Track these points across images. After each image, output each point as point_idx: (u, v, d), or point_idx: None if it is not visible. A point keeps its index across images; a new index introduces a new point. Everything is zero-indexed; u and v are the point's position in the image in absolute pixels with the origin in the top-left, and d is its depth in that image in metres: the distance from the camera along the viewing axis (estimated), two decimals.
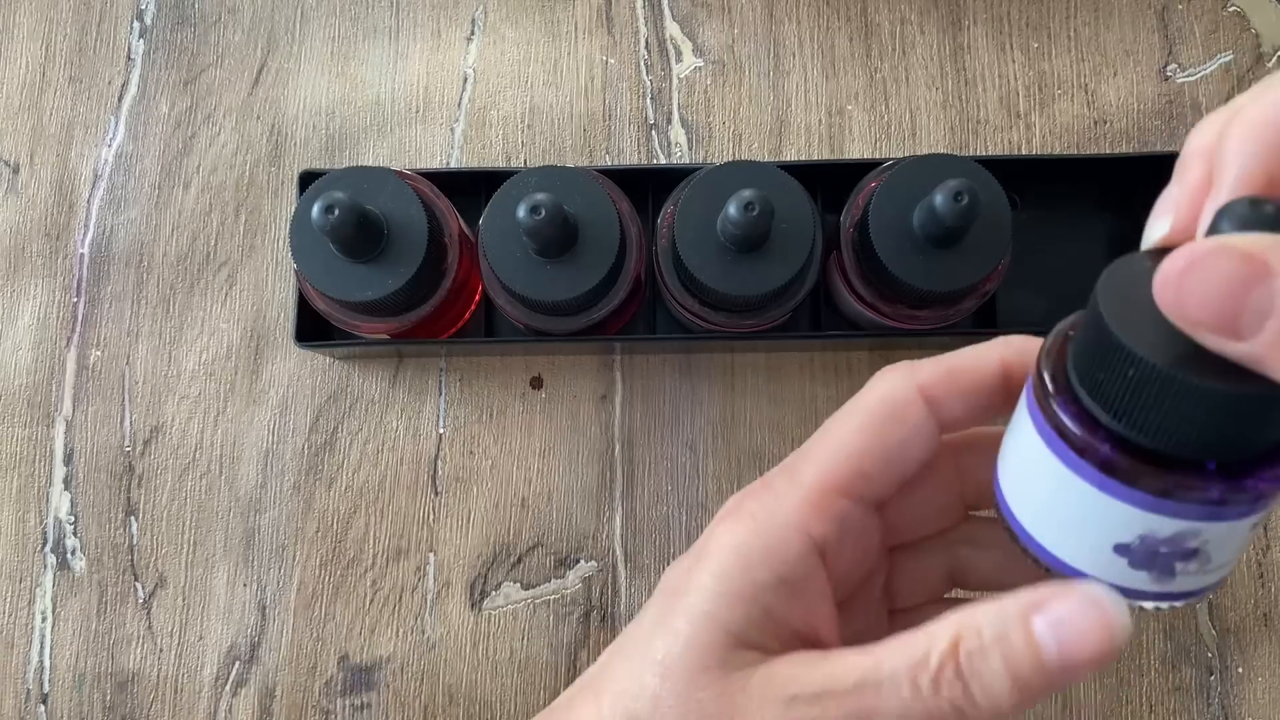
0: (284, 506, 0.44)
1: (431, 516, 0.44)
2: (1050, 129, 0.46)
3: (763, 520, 0.24)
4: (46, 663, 0.43)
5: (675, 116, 0.47)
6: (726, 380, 0.44)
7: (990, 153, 0.46)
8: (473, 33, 0.48)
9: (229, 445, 0.44)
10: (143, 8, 0.48)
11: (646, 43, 0.47)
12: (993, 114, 0.46)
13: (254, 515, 0.44)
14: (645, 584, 0.43)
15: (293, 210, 0.39)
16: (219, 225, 0.46)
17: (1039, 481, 0.21)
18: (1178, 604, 0.21)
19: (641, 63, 0.47)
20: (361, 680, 0.42)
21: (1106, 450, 0.19)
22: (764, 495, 0.24)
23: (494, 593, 0.43)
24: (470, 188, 0.43)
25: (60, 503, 0.44)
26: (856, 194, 0.38)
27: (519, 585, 0.43)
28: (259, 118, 0.47)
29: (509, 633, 0.43)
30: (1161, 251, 0.17)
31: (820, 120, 0.46)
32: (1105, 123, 0.46)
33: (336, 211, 0.33)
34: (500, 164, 0.46)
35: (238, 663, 0.43)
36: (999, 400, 0.24)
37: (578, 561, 0.43)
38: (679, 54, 0.47)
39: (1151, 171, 0.21)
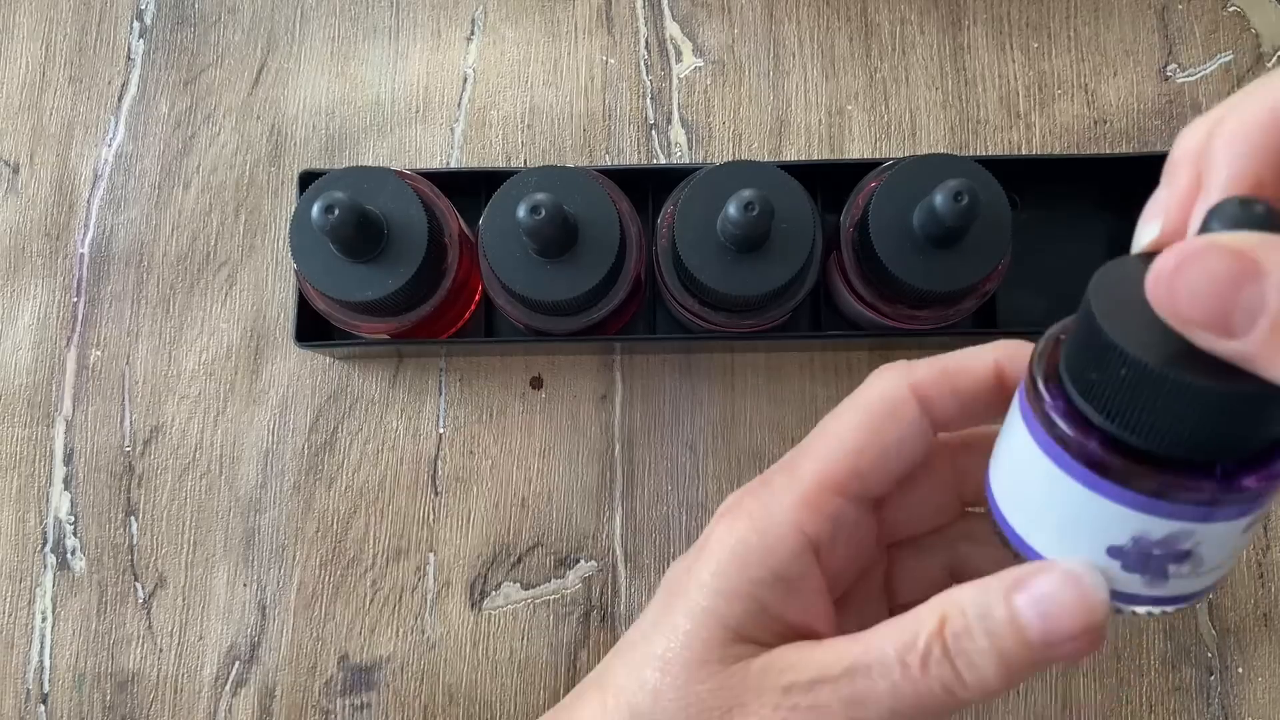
0: (284, 506, 0.44)
1: (431, 516, 0.44)
2: (1050, 129, 0.46)
3: (759, 518, 0.24)
4: (46, 663, 0.43)
5: (675, 116, 0.47)
6: (726, 380, 0.44)
7: (990, 153, 0.46)
8: (473, 33, 0.48)
9: (229, 445, 0.44)
10: (143, 8, 0.48)
11: (646, 43, 0.47)
12: (993, 114, 0.46)
13: (254, 515, 0.44)
14: (645, 584, 0.43)
15: (293, 210, 0.39)
16: (219, 225, 0.46)
17: (1031, 484, 0.21)
18: (1170, 609, 0.21)
19: (641, 63, 0.47)
20: (361, 680, 0.42)
21: (1098, 450, 0.19)
22: (761, 494, 0.25)
23: (494, 593, 0.43)
24: (470, 188, 0.43)
25: (60, 503, 0.44)
26: (856, 194, 0.38)
27: (519, 585, 0.43)
28: (259, 118, 0.47)
29: (509, 633, 0.43)
30: (1152, 254, 0.18)
31: (820, 120, 0.46)
32: (1105, 123, 0.46)
33: (336, 211, 0.33)
34: (500, 164, 0.46)
35: (238, 663, 0.43)
36: (993, 401, 0.24)
37: (578, 561, 0.43)
38: (679, 54, 0.47)
39: (1151, 171, 0.21)
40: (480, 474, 0.44)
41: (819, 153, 0.46)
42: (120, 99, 0.47)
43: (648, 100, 0.47)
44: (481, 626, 0.43)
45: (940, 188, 0.32)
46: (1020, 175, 0.42)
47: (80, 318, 0.46)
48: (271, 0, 0.48)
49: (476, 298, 0.43)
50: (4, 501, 0.44)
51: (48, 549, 0.44)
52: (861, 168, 0.39)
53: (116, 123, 0.47)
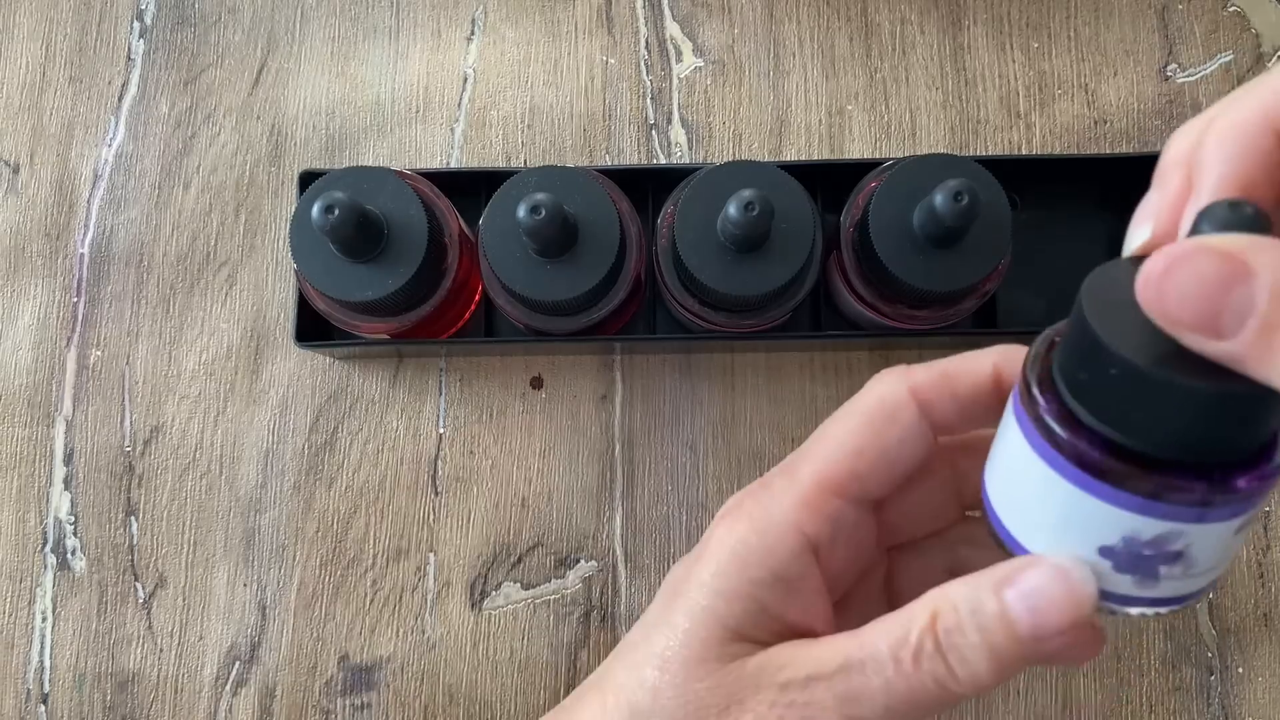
0: (284, 506, 0.44)
1: (431, 516, 0.44)
2: (1050, 129, 0.46)
3: (759, 519, 0.24)
4: (47, 663, 0.43)
5: (675, 116, 0.47)
6: (726, 380, 0.44)
7: (990, 153, 0.46)
8: (473, 33, 0.48)
9: (229, 445, 0.44)
10: (143, 8, 0.48)
11: (646, 43, 0.47)
12: (993, 114, 0.46)
13: (254, 515, 0.44)
14: (645, 584, 0.43)
15: (293, 210, 0.39)
16: (219, 225, 0.46)
17: (1024, 485, 0.21)
18: (1163, 610, 0.21)
19: (641, 63, 0.47)
20: (361, 680, 0.42)
21: (1089, 450, 0.19)
22: (761, 495, 0.25)
23: (494, 593, 0.43)
24: (470, 188, 0.43)
25: (60, 503, 0.44)
26: (856, 194, 0.38)
27: (519, 585, 0.43)
28: (259, 118, 0.47)
29: (509, 633, 0.43)
30: (1144, 257, 0.18)
31: (820, 120, 0.46)
32: (1105, 123, 0.46)
33: (336, 211, 0.33)
34: (500, 164, 0.46)
35: (238, 663, 0.43)
36: (992, 405, 0.24)
37: (578, 561, 0.43)
38: (679, 54, 0.47)
39: (1151, 172, 0.21)
40: (480, 474, 0.44)
41: (819, 153, 0.46)
42: (120, 99, 0.47)
43: (648, 100, 0.47)
44: (482, 626, 0.43)
45: (940, 188, 0.32)
46: (1020, 175, 0.42)
47: (80, 318, 0.46)
48: (271, 0, 0.48)
49: (476, 298, 0.43)
50: (4, 501, 0.44)
51: (48, 549, 0.44)
52: (861, 168, 0.39)
53: (116, 123, 0.47)
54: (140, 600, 0.43)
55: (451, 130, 0.47)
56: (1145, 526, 0.19)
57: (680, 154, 0.46)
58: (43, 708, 0.43)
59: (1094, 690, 0.42)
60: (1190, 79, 0.46)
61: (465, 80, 0.47)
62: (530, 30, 0.48)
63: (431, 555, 0.43)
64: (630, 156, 0.46)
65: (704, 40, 0.47)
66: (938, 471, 0.27)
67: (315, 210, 0.33)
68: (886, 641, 0.22)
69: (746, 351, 0.44)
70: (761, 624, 0.24)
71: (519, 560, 0.43)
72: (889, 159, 0.38)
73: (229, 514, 0.44)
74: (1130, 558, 0.20)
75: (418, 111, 0.47)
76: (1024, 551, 0.22)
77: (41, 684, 0.43)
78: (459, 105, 0.47)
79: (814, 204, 0.37)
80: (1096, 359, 0.18)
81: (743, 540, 0.24)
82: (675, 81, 0.47)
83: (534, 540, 0.43)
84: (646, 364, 0.45)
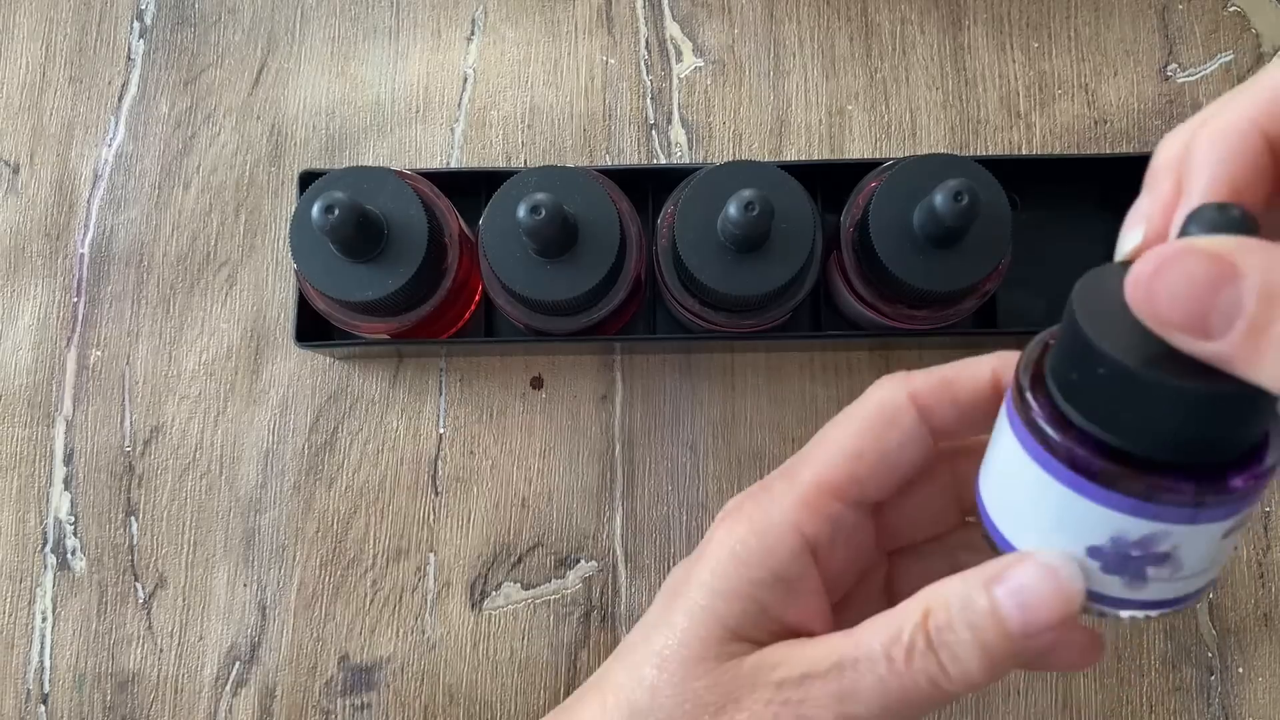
0: (284, 506, 0.44)
1: (431, 516, 0.44)
2: (1050, 129, 0.46)
3: (759, 521, 0.25)
4: (47, 663, 0.43)
5: (675, 116, 0.47)
6: (726, 380, 0.44)
7: (990, 153, 0.46)
8: (473, 33, 0.48)
9: (229, 445, 0.44)
10: (143, 8, 0.48)
11: (646, 43, 0.47)
12: (993, 114, 0.46)
13: (254, 515, 0.44)
14: (645, 584, 0.43)
15: (293, 210, 0.39)
16: (219, 225, 0.46)
17: (1016, 487, 0.21)
18: (1153, 614, 0.21)
19: (641, 63, 0.47)
20: (361, 680, 0.42)
21: (1079, 450, 0.19)
22: (761, 497, 0.25)
23: (494, 593, 0.43)
24: (470, 188, 0.43)
25: (60, 503, 0.44)
26: (856, 194, 0.38)
27: (519, 585, 0.43)
28: (259, 118, 0.47)
29: (509, 633, 0.43)
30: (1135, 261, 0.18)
31: (820, 120, 0.46)
32: (1105, 123, 0.46)
33: (336, 211, 0.33)
34: (500, 164, 0.46)
35: (238, 663, 0.43)
36: (991, 410, 0.25)
37: (578, 561, 0.43)
38: (679, 54, 0.47)
39: None
40: (480, 474, 0.44)
41: (819, 153, 0.46)
42: (120, 99, 0.47)
43: (648, 100, 0.47)
44: (482, 627, 0.43)
45: (940, 188, 0.32)
46: (1020, 175, 0.42)
47: (80, 318, 0.46)
48: (271, 0, 0.48)
49: (476, 298, 0.43)
50: (4, 501, 0.44)
51: (48, 549, 0.44)
52: (861, 168, 0.39)
53: (116, 123, 0.47)
54: (140, 600, 0.43)
55: (451, 130, 0.47)
56: (1133, 527, 0.19)
57: (680, 154, 0.46)
58: (43, 708, 0.43)
59: (1094, 690, 0.42)
60: (1190, 79, 0.46)
61: (465, 80, 0.47)
62: (530, 30, 0.48)
63: (431, 555, 0.43)
64: (630, 156, 0.46)
65: (704, 40, 0.47)
66: (938, 476, 0.27)
67: (315, 210, 0.33)
68: (880, 639, 0.22)
69: (746, 351, 0.44)
70: (760, 624, 0.24)
71: (519, 560, 0.43)
72: (889, 159, 0.38)
73: (229, 514, 0.44)
74: (1118, 558, 0.20)
75: (418, 111, 0.47)
76: (1013, 550, 0.22)
77: (41, 684, 0.43)
78: (459, 105, 0.47)
79: (814, 204, 0.37)
80: (1087, 360, 0.18)
81: (742, 541, 0.24)
82: (675, 81, 0.47)
83: (534, 540, 0.43)
84: (646, 364, 0.45)
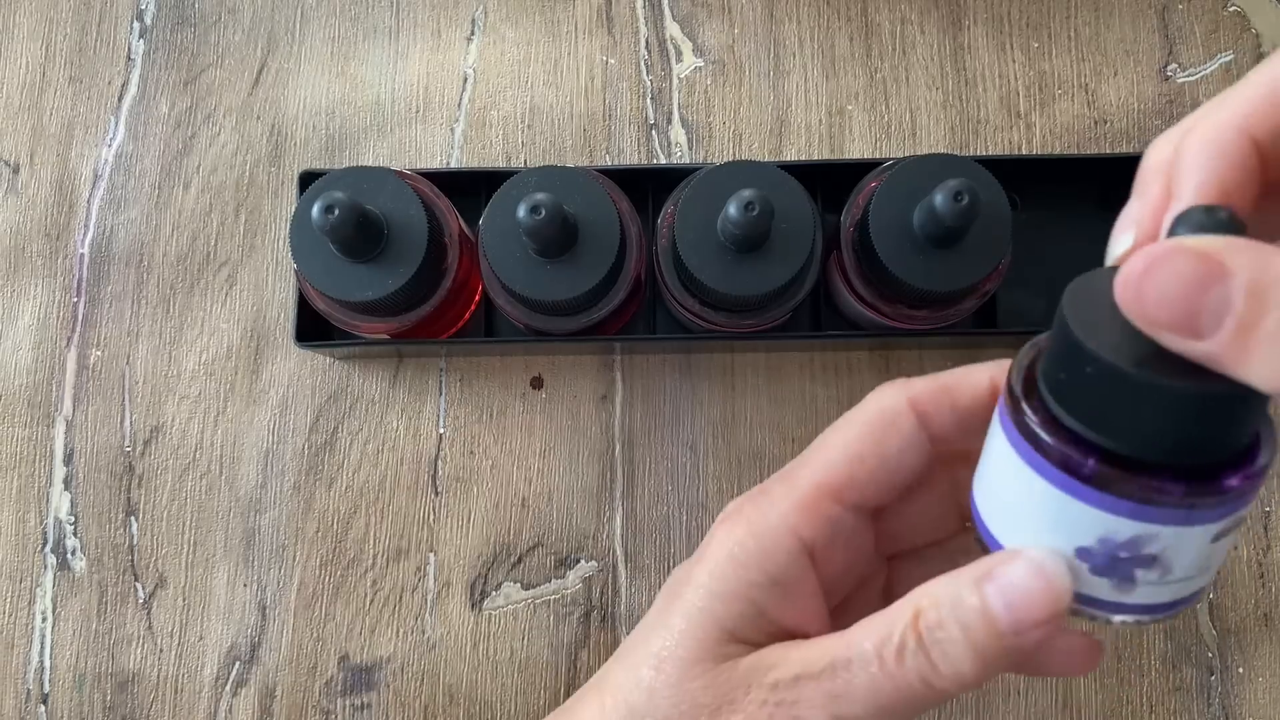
0: (284, 506, 0.44)
1: (431, 516, 0.44)
2: (1050, 129, 0.46)
3: (757, 523, 0.25)
4: (46, 663, 0.43)
5: (675, 116, 0.47)
6: (726, 380, 0.44)
7: (990, 153, 0.46)
8: (473, 33, 0.48)
9: (229, 445, 0.44)
10: (143, 8, 0.48)
11: (646, 43, 0.47)
12: (993, 114, 0.46)
13: (254, 515, 0.44)
14: (645, 584, 0.43)
15: (293, 210, 0.39)
16: (219, 225, 0.46)
17: (1006, 488, 0.21)
18: (1144, 619, 0.21)
19: (641, 63, 0.47)
20: (361, 680, 0.42)
21: (1066, 450, 0.19)
22: (760, 500, 0.25)
23: (494, 593, 0.43)
24: (470, 188, 0.43)
25: (60, 503, 0.44)
26: (856, 194, 0.38)
27: (519, 585, 0.43)
28: (259, 118, 0.47)
29: (509, 633, 0.43)
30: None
31: (820, 120, 0.46)
32: (1105, 123, 0.46)
33: (336, 211, 0.33)
34: (500, 164, 0.46)
35: (238, 663, 0.43)
36: (989, 417, 0.24)
37: (578, 561, 0.43)
38: (679, 54, 0.47)
39: None
40: (480, 474, 0.44)
41: (819, 153, 0.46)
42: (120, 99, 0.47)
43: (648, 100, 0.47)
44: (482, 627, 0.43)
45: (940, 188, 0.32)
46: (1020, 175, 0.42)
47: (80, 318, 0.46)
48: (271, 0, 0.48)
49: (476, 298, 0.43)
50: (4, 501, 0.44)
51: (48, 549, 0.44)
52: (861, 168, 0.39)
53: (116, 123, 0.47)
54: (140, 600, 0.43)
55: (451, 130, 0.47)
56: (1121, 528, 0.19)
57: (680, 154, 0.46)
58: (43, 708, 0.43)
59: (1094, 690, 0.42)
60: (1190, 79, 0.46)
61: (465, 80, 0.47)
62: (530, 30, 0.48)
63: (431, 555, 0.43)
64: (630, 156, 0.46)
65: (704, 40, 0.47)
66: (937, 483, 0.27)
67: (315, 210, 0.33)
68: (871, 639, 0.22)
69: (746, 351, 0.44)
70: (757, 626, 0.24)
71: (519, 560, 0.43)
72: (889, 159, 0.38)
73: (229, 514, 0.44)
74: (1106, 560, 0.20)
75: (418, 111, 0.47)
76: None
77: (41, 684, 0.43)
78: (459, 105, 0.47)
79: (814, 204, 0.37)
80: (1077, 361, 0.18)
81: (740, 543, 0.25)
82: (675, 81, 0.47)
83: (534, 540, 0.43)
84: (646, 364, 0.45)
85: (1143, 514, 0.19)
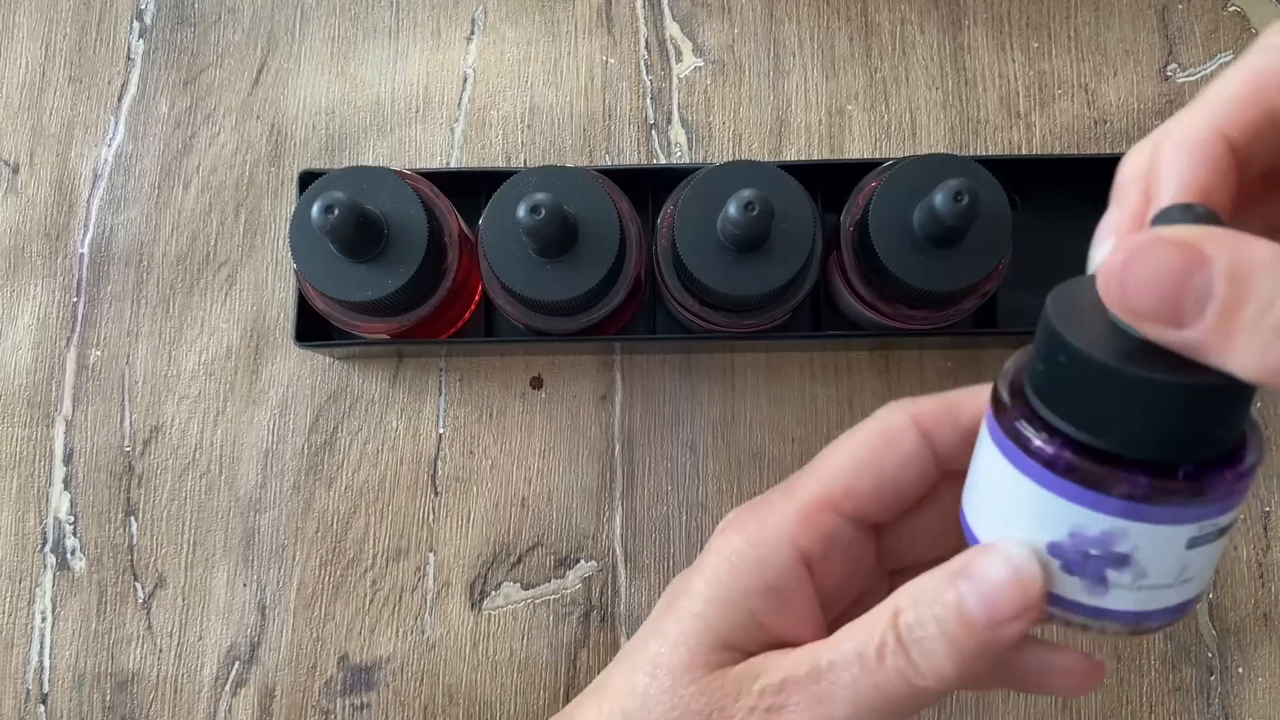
0: (284, 506, 0.44)
1: (431, 516, 0.44)
2: (1050, 129, 0.46)
3: (755, 531, 0.25)
4: (46, 663, 0.43)
5: (675, 116, 0.47)
6: (726, 380, 0.44)
7: (990, 153, 0.46)
8: (473, 32, 0.48)
9: (229, 445, 0.44)
10: (143, 8, 0.48)
11: (646, 43, 0.47)
12: (993, 114, 0.46)
13: (254, 515, 0.44)
14: (645, 584, 0.43)
15: (293, 210, 0.39)
16: (219, 225, 0.46)
17: (985, 481, 0.22)
18: (1120, 628, 0.21)
19: (641, 63, 0.47)
20: (361, 680, 0.42)
21: (1036, 437, 0.20)
22: (761, 508, 0.26)
23: (494, 593, 0.43)
24: (470, 188, 0.43)
25: (60, 503, 0.44)
26: (856, 194, 0.38)
27: (519, 585, 0.43)
28: (259, 118, 0.47)
29: (509, 633, 0.43)
30: None
31: (820, 120, 0.46)
32: (1105, 123, 0.46)
33: (336, 211, 0.33)
34: (500, 164, 0.46)
35: (237, 663, 0.43)
36: None
37: (578, 561, 0.43)
38: (679, 54, 0.47)
39: None
40: (480, 474, 0.44)
41: (819, 153, 0.46)
42: (120, 99, 0.47)
43: (648, 100, 0.47)
44: (481, 626, 0.43)
45: (940, 188, 0.32)
46: (1020, 175, 0.42)
47: (80, 318, 0.46)
48: (271, 0, 0.48)
49: (476, 298, 0.43)
50: (4, 501, 0.44)
51: (47, 549, 0.44)
52: (861, 168, 0.39)
53: (116, 123, 0.47)
54: (140, 600, 0.43)
55: (451, 130, 0.47)
56: (1090, 521, 0.19)
57: (680, 154, 0.46)
58: (42, 708, 0.43)
59: (1094, 690, 0.42)
60: (1190, 79, 0.46)
61: (465, 80, 0.47)
62: (530, 30, 0.48)
63: (431, 555, 0.43)
64: (630, 156, 0.46)
65: (704, 40, 0.47)
66: (941, 499, 0.27)
67: (315, 210, 0.33)
68: (854, 642, 0.22)
69: (746, 351, 0.44)
70: (752, 634, 0.25)
71: (519, 560, 0.43)
72: (889, 159, 0.38)
73: (229, 514, 0.44)
74: (1078, 557, 0.20)
75: (418, 111, 0.47)
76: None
77: (41, 684, 0.43)
78: (459, 105, 0.47)
79: (814, 204, 0.37)
80: (1053, 351, 0.19)
81: (737, 551, 0.25)
82: (675, 81, 0.47)
83: (534, 540, 0.43)
84: (646, 364, 0.45)
85: (1110, 507, 0.19)
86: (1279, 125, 0.20)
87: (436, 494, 0.44)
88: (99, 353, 0.45)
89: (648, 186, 0.43)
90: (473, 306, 0.43)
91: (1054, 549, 0.20)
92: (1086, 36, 0.47)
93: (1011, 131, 0.46)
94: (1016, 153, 0.46)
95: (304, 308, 0.41)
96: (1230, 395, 0.18)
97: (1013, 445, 0.20)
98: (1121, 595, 0.20)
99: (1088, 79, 0.46)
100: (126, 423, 0.45)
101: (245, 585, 0.43)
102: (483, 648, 0.43)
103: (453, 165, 0.46)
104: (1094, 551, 0.20)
